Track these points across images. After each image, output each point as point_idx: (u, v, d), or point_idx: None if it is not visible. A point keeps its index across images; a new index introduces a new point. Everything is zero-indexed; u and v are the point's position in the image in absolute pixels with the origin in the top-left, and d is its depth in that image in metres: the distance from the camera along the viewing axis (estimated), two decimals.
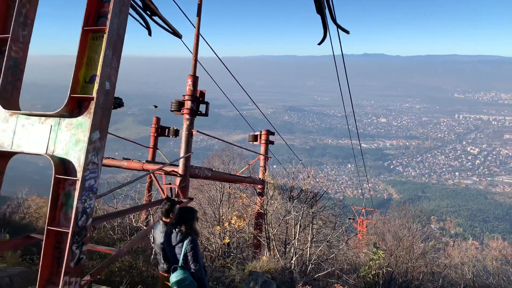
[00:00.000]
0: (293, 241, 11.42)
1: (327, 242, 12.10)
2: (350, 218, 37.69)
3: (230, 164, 25.42)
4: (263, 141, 14.59)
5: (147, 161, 10.64)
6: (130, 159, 10.69)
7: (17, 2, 4.88)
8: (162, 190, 9.70)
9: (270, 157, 14.91)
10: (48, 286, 4.03)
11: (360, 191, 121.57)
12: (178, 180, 9.61)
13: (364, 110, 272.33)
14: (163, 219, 5.44)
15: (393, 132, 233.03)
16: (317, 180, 13.00)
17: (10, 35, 4.81)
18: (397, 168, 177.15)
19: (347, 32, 7.22)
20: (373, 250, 11.17)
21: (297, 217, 11.43)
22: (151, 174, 10.06)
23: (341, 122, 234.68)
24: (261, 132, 14.78)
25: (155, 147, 15.25)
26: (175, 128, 15.52)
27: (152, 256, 6.68)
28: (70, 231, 4.02)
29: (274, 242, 11.49)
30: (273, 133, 14.88)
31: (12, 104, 4.84)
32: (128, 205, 15.40)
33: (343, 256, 14.55)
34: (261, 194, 13.42)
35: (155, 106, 15.83)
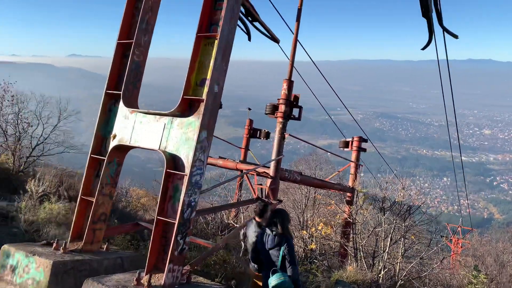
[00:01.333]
0: (382, 254, 10.93)
1: (420, 259, 11.35)
2: (443, 236, 34.86)
3: (316, 169, 25.18)
4: (354, 148, 14.21)
5: (241, 161, 11.03)
6: (225, 158, 11.19)
7: (141, 11, 5.42)
8: (254, 190, 9.97)
9: (362, 165, 14.46)
10: (154, 271, 4.40)
11: (456, 207, 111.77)
12: (268, 181, 9.80)
13: (466, 120, 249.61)
14: (256, 218, 5.59)
15: (499, 145, 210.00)
16: (410, 192, 12.29)
17: (133, 41, 5.37)
18: (501, 185, 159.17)
19: (455, 36, 6.71)
20: (473, 274, 10.19)
21: (388, 229, 10.91)
22: (244, 174, 10.41)
23: (438, 131, 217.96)
24: (353, 138, 14.40)
25: (246, 148, 15.73)
26: (266, 130, 15.83)
27: (242, 253, 6.93)
28: (176, 222, 4.35)
29: (361, 253, 11.11)
30: (365, 140, 14.42)
31: (132, 103, 5.39)
32: (216, 202, 16.13)
33: (436, 275, 13.52)
34: (350, 203, 13.07)
35: (249, 109, 16.32)
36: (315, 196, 18.00)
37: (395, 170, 13.78)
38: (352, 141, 14.34)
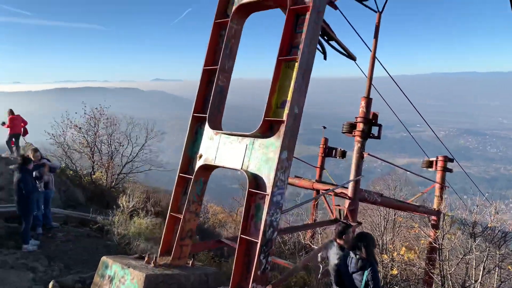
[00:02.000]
0: (474, 284, 9.99)
1: None
2: None
3: (396, 190, 23.99)
4: (439, 168, 13.31)
5: (316, 181, 10.92)
6: (301, 177, 11.17)
7: (225, 38, 5.74)
8: (331, 211, 9.79)
9: (447, 186, 13.49)
10: None
11: None
12: (347, 202, 9.57)
13: None
14: (337, 240, 5.49)
15: None
16: (504, 217, 11.16)
17: (218, 66, 5.69)
18: None
19: None
20: None
21: (481, 257, 9.97)
22: (323, 195, 10.29)
23: None
24: (437, 158, 13.52)
25: (322, 167, 15.52)
26: (342, 149, 15.52)
27: (321, 275, 6.80)
28: (259, 241, 4.44)
29: (449, 282, 10.27)
30: (451, 160, 13.45)
31: (216, 125, 5.68)
32: (292, 221, 16.04)
33: None
34: (435, 227, 12.20)
35: (324, 127, 16.19)
36: (395, 218, 17.13)
37: (487, 193, 12.62)
38: (436, 161, 13.48)
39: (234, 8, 5.70)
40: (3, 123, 15.03)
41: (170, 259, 5.25)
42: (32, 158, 9.08)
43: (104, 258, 5.18)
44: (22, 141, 15.44)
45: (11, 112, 14.97)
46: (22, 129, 15.24)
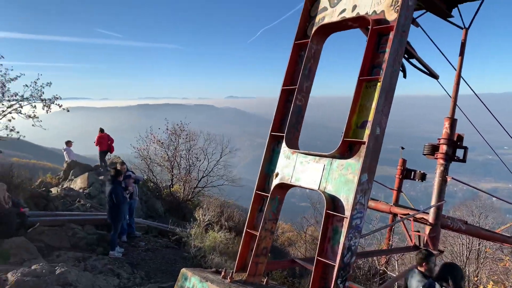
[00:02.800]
0: None
1: None
2: None
3: (481, 217, 22.02)
4: None
5: (394, 204, 10.43)
6: (376, 200, 10.74)
7: (304, 58, 5.80)
8: (410, 237, 9.25)
9: None
10: None
11: None
12: (427, 228, 9.00)
13: None
14: (418, 267, 5.19)
15: None
16: None
17: (297, 86, 5.74)
18: None
19: None
20: None
21: None
22: (402, 220, 9.77)
23: None
24: None
25: (399, 190, 14.79)
26: (422, 171, 14.68)
27: None
28: (336, 265, 4.33)
29: None
30: None
31: (293, 144, 5.70)
32: (365, 245, 15.39)
33: None
34: None
35: (402, 148, 15.48)
36: (478, 248, 15.72)
37: None
38: None
39: (314, 29, 5.75)
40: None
41: (245, 275, 5.31)
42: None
43: (183, 270, 5.40)
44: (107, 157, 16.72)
45: (100, 130, 16.31)
46: (108, 146, 16.43)
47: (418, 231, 9.45)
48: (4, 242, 7.49)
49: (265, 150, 5.91)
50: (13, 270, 6.14)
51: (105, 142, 16.18)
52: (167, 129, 17.05)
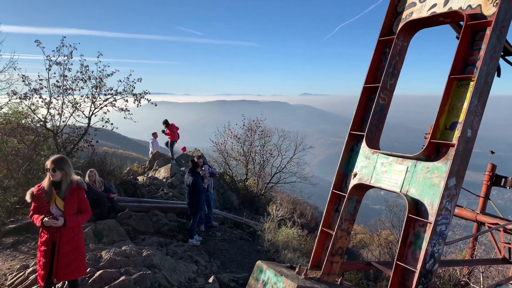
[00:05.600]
0: None
1: None
2: None
3: None
4: None
5: (481, 212, 9.67)
6: (462, 207, 10.04)
7: (389, 56, 5.61)
8: (499, 249, 8.53)
9: None
10: None
11: None
12: None
13: None
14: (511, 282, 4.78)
15: None
16: None
17: (380, 84, 5.58)
18: None
19: None
20: None
21: None
22: (491, 230, 9.04)
23: None
24: None
25: (487, 197, 13.63)
26: None
27: None
28: (417, 271, 4.17)
29: None
30: None
31: (374, 144, 5.56)
32: (446, 252, 14.44)
33: None
34: None
35: (492, 152, 14.26)
36: None
37: None
38: None
39: (401, 25, 5.54)
40: (163, 131, 16.85)
41: (320, 273, 5.32)
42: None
43: (259, 262, 5.56)
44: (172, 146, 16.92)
45: (166, 122, 16.57)
46: (178, 136, 16.89)
47: (509, 243, 8.67)
48: (98, 223, 8.31)
49: (343, 149, 5.85)
50: (106, 249, 6.81)
51: (175, 132, 16.74)
52: (243, 124, 17.53)
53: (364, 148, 5.57)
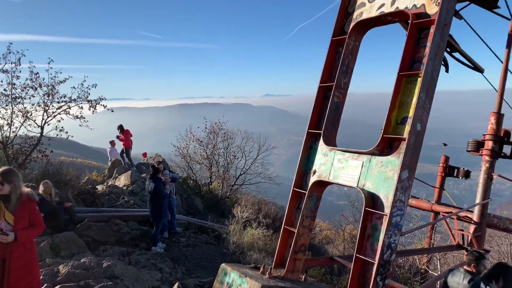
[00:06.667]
0: None
1: None
2: None
3: None
4: None
5: (436, 202, 10.13)
6: (417, 198, 10.46)
7: (342, 55, 5.77)
8: (453, 236, 8.95)
9: None
10: None
11: None
12: (472, 227, 8.68)
13: None
14: (466, 267, 5.01)
15: None
16: None
17: (334, 83, 5.72)
18: None
19: None
20: None
21: None
22: (444, 218, 9.48)
23: None
24: None
25: (441, 187, 14.29)
26: (465, 169, 14.12)
27: None
28: (376, 262, 4.30)
29: None
30: None
31: (331, 141, 5.69)
32: (405, 243, 15.02)
33: None
34: None
35: (444, 144, 14.95)
36: None
37: None
38: None
39: (352, 24, 5.70)
40: (118, 137, 16.13)
41: (284, 271, 5.37)
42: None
43: (223, 265, 5.54)
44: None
45: (121, 127, 15.96)
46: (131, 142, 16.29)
47: (462, 230, 9.13)
48: (55, 236, 7.97)
49: (302, 147, 5.94)
50: (64, 262, 6.54)
51: (129, 138, 16.19)
52: (205, 127, 17.43)
53: (322, 145, 5.69)
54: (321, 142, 5.68)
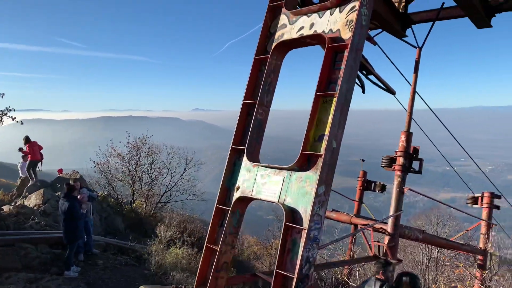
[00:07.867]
0: None
1: None
2: None
3: (439, 226, 22.88)
4: (485, 205, 12.65)
5: (355, 215, 10.68)
6: (338, 211, 10.96)
7: (264, 73, 5.91)
8: (370, 247, 9.47)
9: (495, 224, 12.74)
10: None
11: None
12: (386, 238, 9.26)
13: None
14: (376, 276, 5.33)
15: None
16: None
17: (257, 100, 5.83)
18: None
19: None
20: None
21: None
22: (361, 230, 10.01)
23: None
24: (483, 194, 12.89)
25: (360, 201, 15.15)
26: (381, 183, 15.15)
27: None
28: (295, 277, 4.38)
29: None
30: (499, 197, 12.77)
31: (254, 157, 5.76)
32: (327, 256, 15.60)
33: None
34: (482, 267, 11.49)
35: (362, 160, 15.92)
36: (437, 256, 16.31)
37: None
38: (482, 197, 12.84)
39: (274, 44, 5.89)
40: (21, 149, 15.12)
41: None
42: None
43: (142, 287, 5.27)
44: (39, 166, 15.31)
45: (27, 139, 14.88)
46: (41, 155, 15.10)
47: (378, 241, 9.69)
48: None
49: (226, 163, 5.93)
50: None
51: (37, 150, 15.01)
52: (128, 142, 16.69)
53: (245, 161, 5.73)
54: (244, 158, 5.73)
